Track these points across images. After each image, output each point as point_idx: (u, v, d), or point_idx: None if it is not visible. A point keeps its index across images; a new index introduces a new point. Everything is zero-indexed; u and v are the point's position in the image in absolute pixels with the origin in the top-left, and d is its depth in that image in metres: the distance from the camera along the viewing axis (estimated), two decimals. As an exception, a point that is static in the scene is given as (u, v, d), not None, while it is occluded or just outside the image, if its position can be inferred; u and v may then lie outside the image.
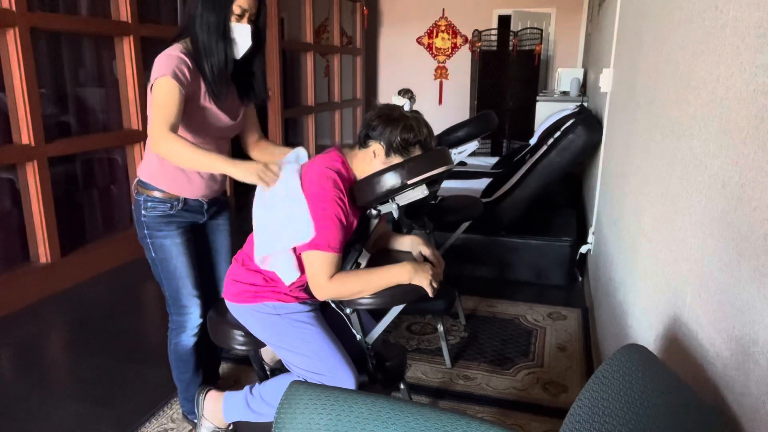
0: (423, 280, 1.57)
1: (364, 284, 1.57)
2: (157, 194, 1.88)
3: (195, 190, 1.91)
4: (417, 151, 1.62)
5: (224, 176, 1.96)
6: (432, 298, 1.62)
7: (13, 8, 3.01)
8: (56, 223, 3.35)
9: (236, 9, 1.73)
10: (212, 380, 2.25)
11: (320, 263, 1.54)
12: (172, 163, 1.79)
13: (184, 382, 2.10)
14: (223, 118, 1.86)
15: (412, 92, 1.76)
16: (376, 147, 1.62)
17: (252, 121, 2.05)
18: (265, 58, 1.95)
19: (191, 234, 1.97)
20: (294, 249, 1.62)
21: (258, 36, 1.82)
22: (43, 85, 3.37)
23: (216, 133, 1.89)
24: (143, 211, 1.89)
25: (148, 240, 1.92)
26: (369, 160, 1.63)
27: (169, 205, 1.88)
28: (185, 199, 1.90)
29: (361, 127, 1.67)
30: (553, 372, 2.49)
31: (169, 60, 1.72)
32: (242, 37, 1.77)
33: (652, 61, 1.84)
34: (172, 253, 1.91)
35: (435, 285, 1.59)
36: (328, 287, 1.55)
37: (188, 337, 2.01)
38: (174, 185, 1.88)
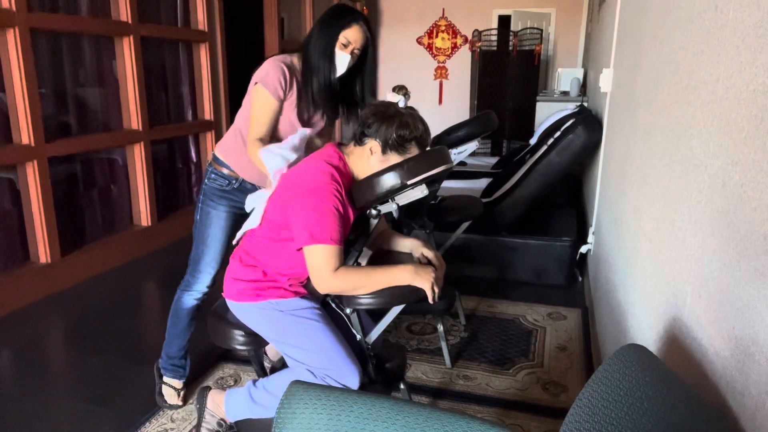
0: (425, 282, 1.57)
1: (367, 280, 1.57)
2: (223, 170, 2.14)
3: (253, 174, 2.12)
4: (413, 148, 1.62)
5: None
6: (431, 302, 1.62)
7: (13, 8, 3.00)
8: (56, 223, 3.35)
9: (342, 39, 1.99)
10: None
11: (323, 256, 1.53)
12: (245, 146, 2.08)
13: (170, 335, 2.28)
14: (298, 127, 2.08)
15: (406, 89, 1.78)
16: (373, 144, 1.62)
17: (327, 135, 2.29)
18: (365, 88, 2.17)
19: (237, 218, 2.16)
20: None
21: (355, 68, 2.08)
22: (43, 85, 3.36)
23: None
24: (206, 180, 2.18)
25: (200, 204, 2.18)
26: (366, 157, 1.64)
27: (227, 181, 2.14)
28: (243, 180, 2.13)
29: (357, 124, 1.67)
30: (553, 372, 2.49)
31: (274, 71, 1.99)
32: (340, 63, 2.02)
33: (652, 61, 1.84)
34: (212, 223, 2.15)
35: (436, 289, 1.59)
36: (331, 281, 1.55)
37: (190, 299, 2.22)
38: (239, 164, 2.12)
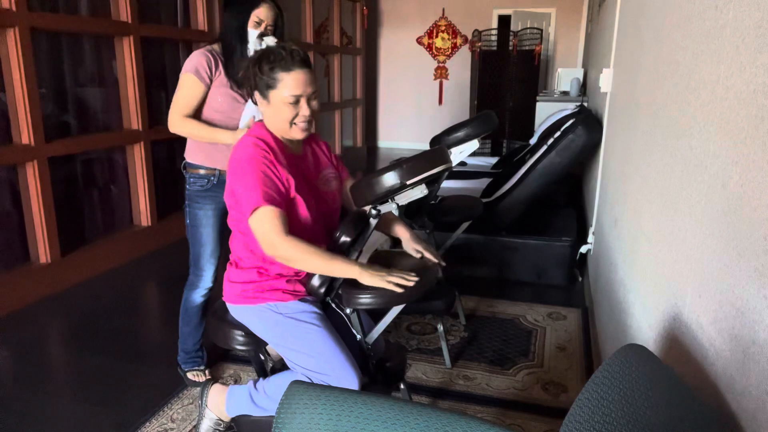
0: (377, 280, 1.55)
1: (313, 257, 1.54)
2: (200, 171, 2.26)
3: (225, 160, 2.16)
4: (280, 73, 1.60)
5: None
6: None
7: (13, 8, 3.00)
8: (56, 223, 3.35)
9: (254, 17, 2.14)
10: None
11: (264, 219, 1.53)
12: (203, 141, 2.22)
13: (184, 334, 2.43)
14: (239, 98, 2.22)
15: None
16: (256, 97, 1.67)
17: None
18: None
19: (224, 212, 2.22)
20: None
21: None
22: (43, 85, 3.36)
23: (232, 108, 2.23)
24: (187, 186, 2.29)
25: (187, 209, 2.29)
26: (265, 110, 1.68)
27: (206, 180, 2.25)
28: (220, 173, 2.24)
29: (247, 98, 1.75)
30: (553, 372, 2.49)
31: (195, 58, 2.17)
32: (255, 42, 2.13)
33: (652, 61, 1.84)
34: (202, 222, 2.26)
35: (393, 282, 1.54)
36: (281, 244, 1.52)
37: (198, 296, 2.35)
38: (210, 158, 2.24)
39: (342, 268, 1.57)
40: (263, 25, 2.15)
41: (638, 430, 0.81)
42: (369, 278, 1.55)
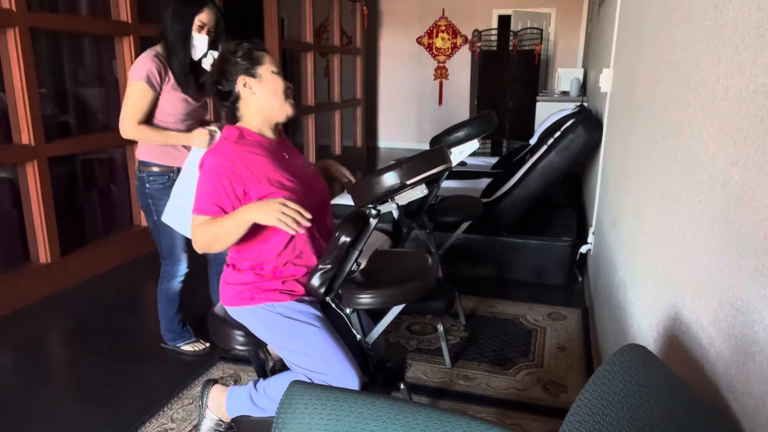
0: (270, 218, 1.51)
1: (220, 229, 1.58)
2: (155, 169, 2.35)
3: (183, 157, 2.31)
4: (259, 52, 1.70)
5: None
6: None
7: (13, 8, 3.00)
8: (56, 223, 3.35)
9: (197, 22, 2.24)
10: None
11: (195, 223, 1.61)
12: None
13: (168, 317, 2.59)
14: (189, 100, 2.35)
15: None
16: (243, 80, 1.68)
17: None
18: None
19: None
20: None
21: (213, 45, 2.31)
22: (43, 85, 3.36)
23: (185, 110, 2.35)
24: (147, 185, 2.36)
25: (152, 207, 2.36)
26: (251, 96, 1.69)
27: (167, 177, 2.35)
28: (178, 168, 2.32)
29: (215, 95, 1.74)
30: (553, 372, 2.49)
31: (145, 64, 2.23)
32: (200, 44, 2.27)
33: (652, 61, 1.84)
34: None
35: (286, 219, 1.49)
36: (195, 237, 1.61)
37: (176, 283, 2.52)
38: (166, 157, 2.34)
39: (243, 220, 1.55)
40: (206, 29, 2.25)
41: (638, 430, 0.81)
42: (264, 217, 1.50)
